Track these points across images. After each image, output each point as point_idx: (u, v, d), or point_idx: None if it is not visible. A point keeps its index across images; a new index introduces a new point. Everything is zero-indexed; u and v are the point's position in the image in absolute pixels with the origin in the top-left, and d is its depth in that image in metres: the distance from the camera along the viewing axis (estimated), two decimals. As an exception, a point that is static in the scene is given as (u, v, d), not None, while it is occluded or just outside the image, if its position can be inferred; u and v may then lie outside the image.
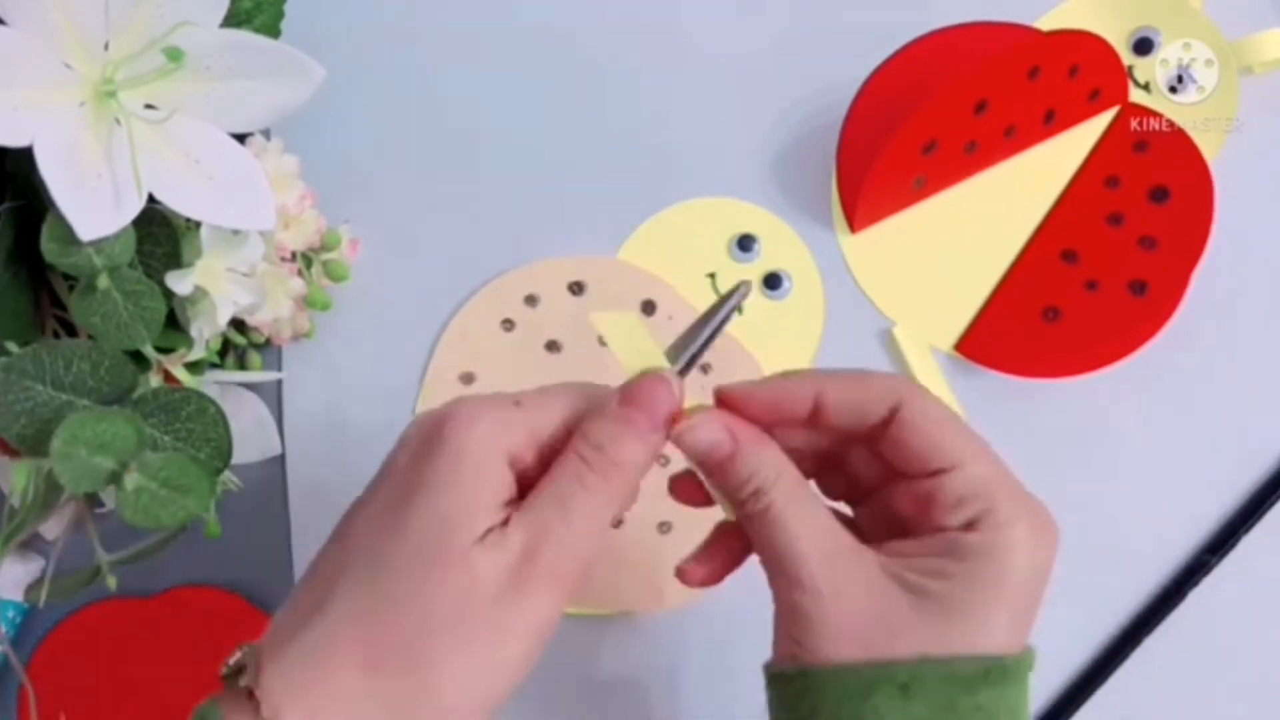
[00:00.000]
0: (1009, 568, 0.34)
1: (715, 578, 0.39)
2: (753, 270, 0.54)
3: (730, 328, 0.53)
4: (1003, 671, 0.33)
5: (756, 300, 0.54)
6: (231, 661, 0.34)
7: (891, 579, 0.34)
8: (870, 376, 0.36)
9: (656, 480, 0.52)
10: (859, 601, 0.34)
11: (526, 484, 0.35)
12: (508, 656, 0.33)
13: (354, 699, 0.32)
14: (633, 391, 0.36)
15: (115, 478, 0.40)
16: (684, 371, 0.37)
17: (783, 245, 0.54)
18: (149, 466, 0.41)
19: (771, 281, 0.53)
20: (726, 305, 0.38)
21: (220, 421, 0.43)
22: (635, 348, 0.37)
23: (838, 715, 0.33)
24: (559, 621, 0.34)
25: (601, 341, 0.53)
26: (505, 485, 0.34)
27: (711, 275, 0.54)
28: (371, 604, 0.33)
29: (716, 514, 0.54)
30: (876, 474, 0.38)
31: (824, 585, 0.34)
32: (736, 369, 0.53)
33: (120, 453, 0.40)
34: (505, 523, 0.34)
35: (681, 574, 0.39)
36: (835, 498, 0.39)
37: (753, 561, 0.38)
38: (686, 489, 0.39)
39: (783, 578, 0.35)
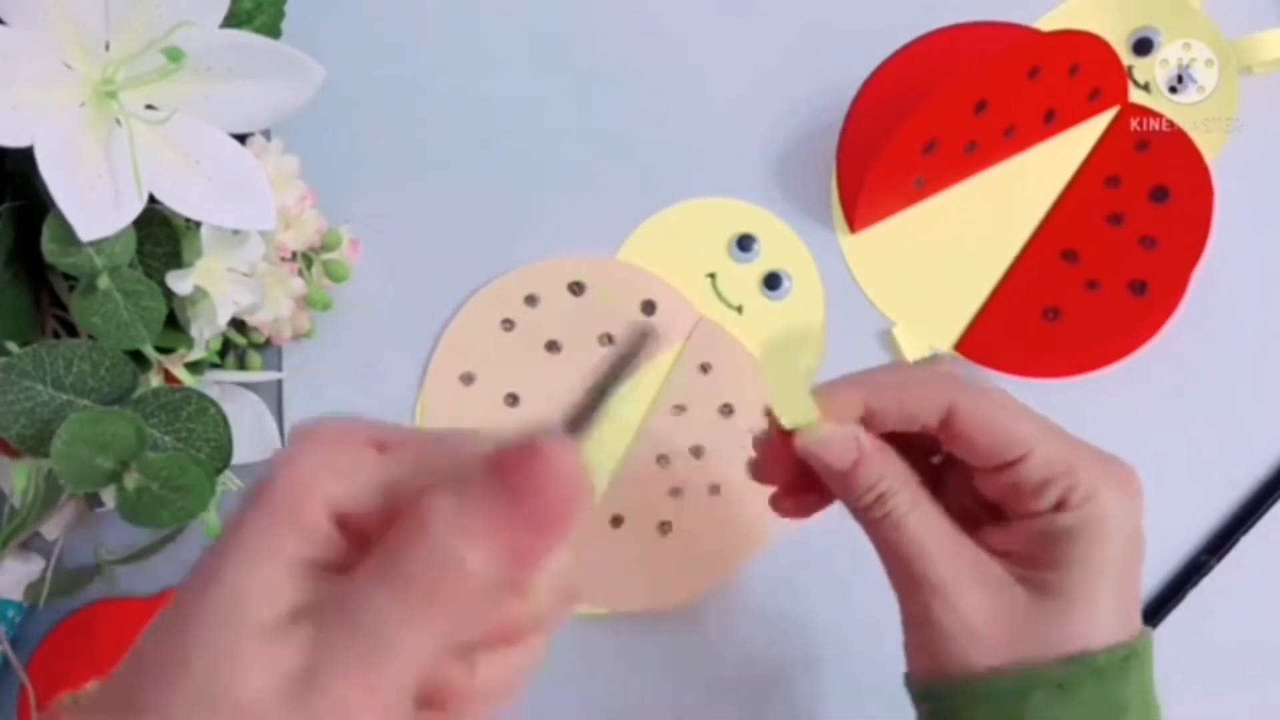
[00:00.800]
0: (1109, 538, 0.35)
1: (807, 510, 0.40)
2: (753, 270, 0.54)
3: (730, 327, 0.53)
4: (1139, 657, 0.35)
5: (756, 300, 0.54)
6: None
7: (1012, 579, 0.35)
8: (913, 382, 0.37)
9: (656, 479, 0.52)
10: (987, 603, 0.35)
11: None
12: None
13: None
14: (505, 462, 0.23)
15: (115, 478, 0.40)
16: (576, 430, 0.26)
17: (783, 245, 0.54)
18: (149, 466, 0.41)
19: (771, 281, 0.53)
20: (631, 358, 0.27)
21: (221, 422, 0.43)
22: (792, 396, 0.36)
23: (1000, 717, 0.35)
24: None
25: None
26: (317, 547, 0.25)
27: (711, 275, 0.54)
28: (136, 694, 0.24)
29: (719, 515, 0.54)
30: (952, 464, 0.38)
31: (952, 587, 0.35)
32: (736, 369, 0.53)
33: (121, 452, 0.40)
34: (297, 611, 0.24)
35: (775, 503, 0.40)
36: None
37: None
38: (770, 467, 0.39)
39: (910, 581, 0.36)
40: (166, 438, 0.43)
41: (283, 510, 0.24)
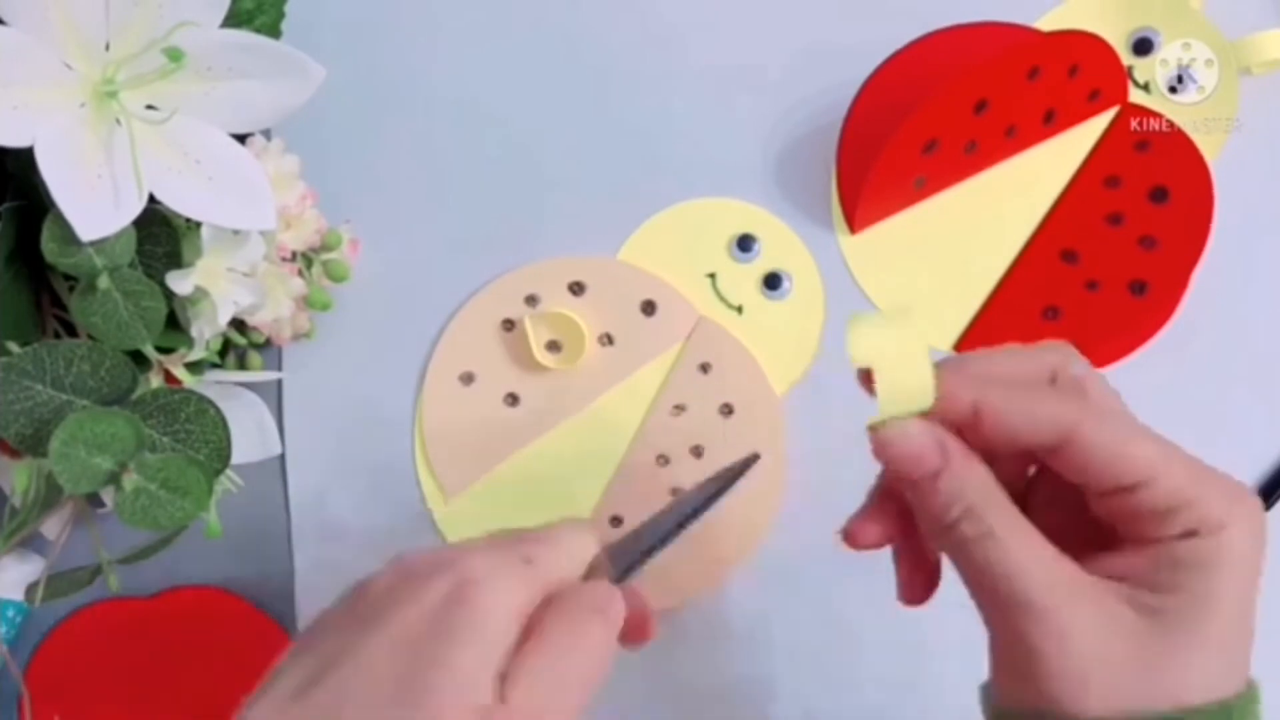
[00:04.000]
0: (1240, 571, 0.31)
1: (885, 539, 0.36)
2: (753, 270, 0.54)
3: (730, 327, 0.53)
4: (1256, 696, 0.32)
5: (756, 300, 0.54)
6: None
7: (1127, 606, 0.31)
8: (1037, 401, 0.32)
9: (656, 479, 0.52)
10: (1101, 639, 0.31)
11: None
12: None
13: None
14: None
15: (114, 478, 0.40)
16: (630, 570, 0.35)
17: (783, 245, 0.54)
18: (147, 467, 0.41)
19: (771, 281, 0.53)
20: (731, 475, 0.36)
21: (220, 423, 0.43)
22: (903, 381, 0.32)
23: None
24: None
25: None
26: (513, 641, 0.32)
27: (711, 275, 0.54)
28: None
29: (718, 515, 0.53)
30: (1046, 477, 0.35)
31: (1062, 621, 0.31)
32: (736, 369, 0.53)
33: (119, 453, 0.40)
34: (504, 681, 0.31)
35: (849, 536, 0.36)
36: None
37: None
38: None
39: (1010, 610, 0.32)
40: (165, 439, 0.43)
41: (498, 629, 0.32)
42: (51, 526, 0.51)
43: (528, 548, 0.34)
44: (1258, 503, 0.32)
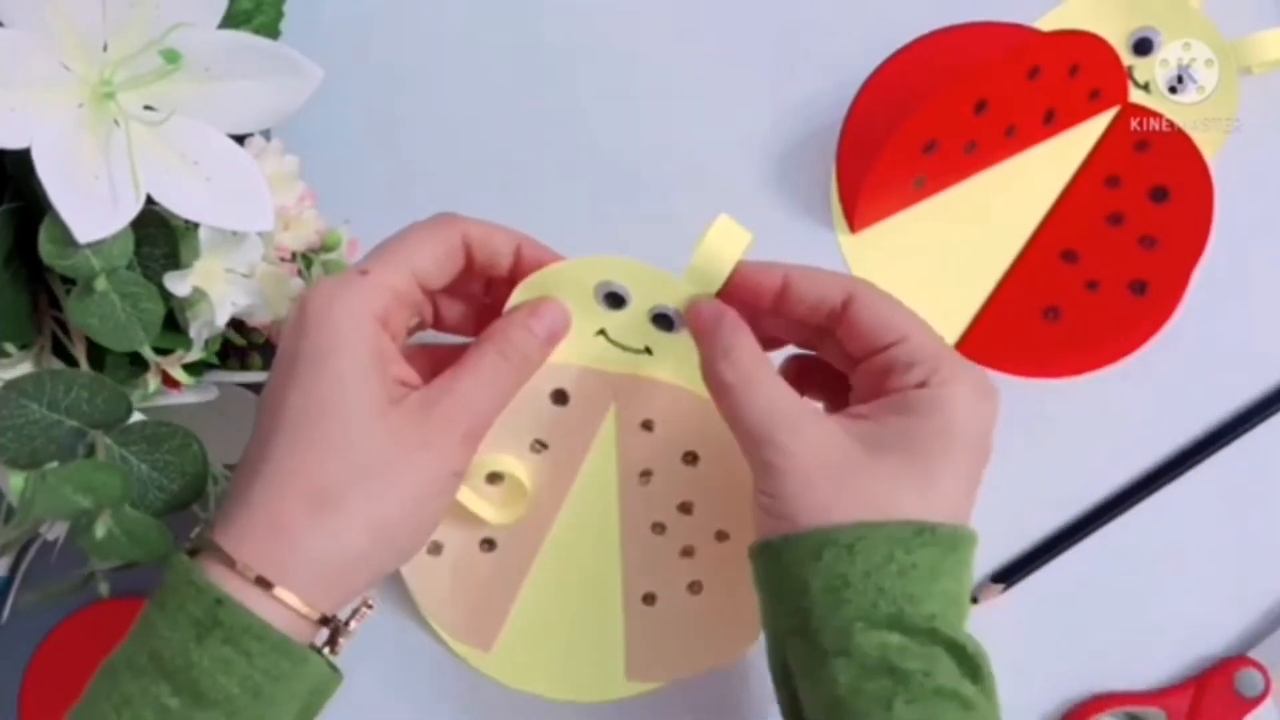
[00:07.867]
0: (955, 419, 0.38)
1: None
2: (635, 314, 0.44)
3: (646, 371, 0.47)
4: (934, 536, 0.37)
5: (658, 337, 0.45)
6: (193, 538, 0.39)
7: (850, 436, 0.38)
8: (827, 271, 0.41)
9: (662, 547, 0.49)
10: (823, 454, 0.38)
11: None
12: (410, 494, 0.39)
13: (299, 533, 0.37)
14: (540, 311, 0.43)
15: (87, 515, 0.41)
16: None
17: (649, 283, 0.42)
18: (124, 520, 0.41)
19: (660, 321, 0.45)
20: None
21: (200, 459, 0.43)
22: (712, 265, 0.41)
23: (795, 576, 0.37)
24: (460, 474, 0.40)
25: None
26: (384, 343, 0.40)
27: (601, 332, 0.45)
28: (306, 456, 0.38)
29: (738, 557, 0.48)
30: (841, 365, 0.42)
31: (795, 441, 0.38)
32: (676, 410, 0.47)
33: (101, 499, 0.40)
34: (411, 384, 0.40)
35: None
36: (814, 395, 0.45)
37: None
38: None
39: (759, 444, 0.39)
40: (143, 465, 0.43)
41: (351, 328, 0.40)
42: (53, 527, 0.51)
43: (365, 263, 0.41)
44: (994, 387, 0.39)
